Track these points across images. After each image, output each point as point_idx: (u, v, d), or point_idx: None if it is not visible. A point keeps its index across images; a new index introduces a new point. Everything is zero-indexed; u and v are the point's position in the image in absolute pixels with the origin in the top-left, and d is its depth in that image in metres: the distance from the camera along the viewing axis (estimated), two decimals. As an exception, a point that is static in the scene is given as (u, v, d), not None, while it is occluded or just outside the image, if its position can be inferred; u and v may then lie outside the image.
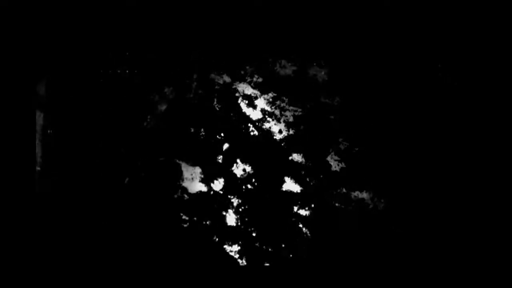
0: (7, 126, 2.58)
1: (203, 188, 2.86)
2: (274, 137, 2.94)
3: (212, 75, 3.02)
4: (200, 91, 3.00)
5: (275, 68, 3.01)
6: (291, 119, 2.96)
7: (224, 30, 3.06)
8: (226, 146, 2.93)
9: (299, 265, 2.69)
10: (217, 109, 2.97)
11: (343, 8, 3.03)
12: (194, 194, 2.84)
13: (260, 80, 3.00)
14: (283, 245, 2.72)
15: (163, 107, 2.95)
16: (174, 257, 2.66)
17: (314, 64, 3.01)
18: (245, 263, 2.69)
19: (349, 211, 2.80)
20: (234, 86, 3.00)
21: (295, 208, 2.81)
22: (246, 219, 2.79)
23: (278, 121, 2.96)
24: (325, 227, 2.77)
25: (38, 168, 2.71)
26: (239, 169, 2.89)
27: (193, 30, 3.07)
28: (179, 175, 2.86)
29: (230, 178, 2.87)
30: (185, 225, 2.77)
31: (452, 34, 2.93)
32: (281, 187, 2.85)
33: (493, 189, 2.73)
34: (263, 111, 2.97)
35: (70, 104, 2.87)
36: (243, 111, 2.98)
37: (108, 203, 2.71)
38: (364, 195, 2.83)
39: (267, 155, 2.91)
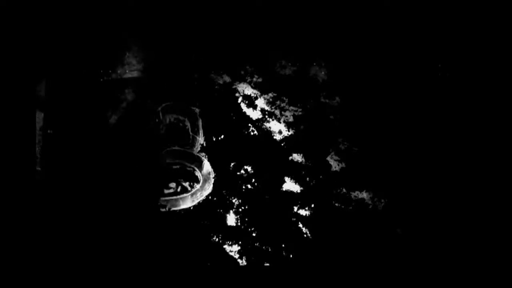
0: (7, 126, 2.58)
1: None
2: (274, 137, 2.94)
3: (212, 75, 3.02)
4: (200, 91, 3.00)
5: (275, 68, 3.01)
6: (291, 119, 2.96)
7: (225, 30, 3.07)
8: (226, 146, 2.93)
9: (299, 265, 2.69)
10: (217, 109, 2.98)
11: (343, 8, 3.03)
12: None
13: (260, 80, 3.00)
14: (283, 245, 2.72)
15: (162, 107, 2.95)
16: (174, 257, 2.66)
17: (314, 64, 3.01)
18: (245, 263, 2.69)
19: (349, 211, 2.80)
20: (234, 86, 3.01)
21: (295, 208, 2.81)
22: (246, 219, 2.78)
23: (278, 121, 2.96)
24: (325, 227, 2.77)
25: (38, 168, 2.71)
26: (239, 169, 2.89)
27: (193, 31, 3.07)
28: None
29: (230, 178, 2.87)
30: (184, 225, 2.77)
31: (452, 34, 2.94)
32: (281, 187, 2.85)
33: (492, 188, 2.73)
34: (263, 111, 2.98)
35: (70, 104, 2.87)
36: (243, 111, 2.98)
37: (107, 203, 2.71)
38: (364, 195, 2.83)
39: (267, 155, 2.91)
